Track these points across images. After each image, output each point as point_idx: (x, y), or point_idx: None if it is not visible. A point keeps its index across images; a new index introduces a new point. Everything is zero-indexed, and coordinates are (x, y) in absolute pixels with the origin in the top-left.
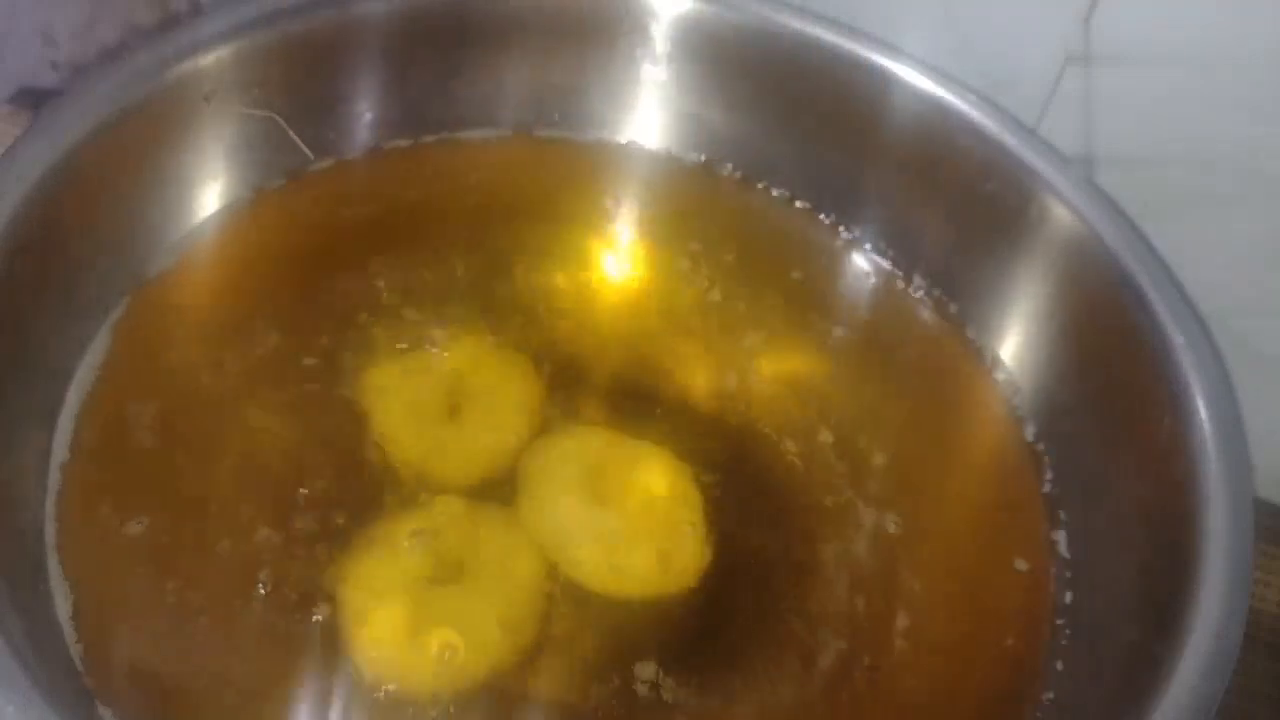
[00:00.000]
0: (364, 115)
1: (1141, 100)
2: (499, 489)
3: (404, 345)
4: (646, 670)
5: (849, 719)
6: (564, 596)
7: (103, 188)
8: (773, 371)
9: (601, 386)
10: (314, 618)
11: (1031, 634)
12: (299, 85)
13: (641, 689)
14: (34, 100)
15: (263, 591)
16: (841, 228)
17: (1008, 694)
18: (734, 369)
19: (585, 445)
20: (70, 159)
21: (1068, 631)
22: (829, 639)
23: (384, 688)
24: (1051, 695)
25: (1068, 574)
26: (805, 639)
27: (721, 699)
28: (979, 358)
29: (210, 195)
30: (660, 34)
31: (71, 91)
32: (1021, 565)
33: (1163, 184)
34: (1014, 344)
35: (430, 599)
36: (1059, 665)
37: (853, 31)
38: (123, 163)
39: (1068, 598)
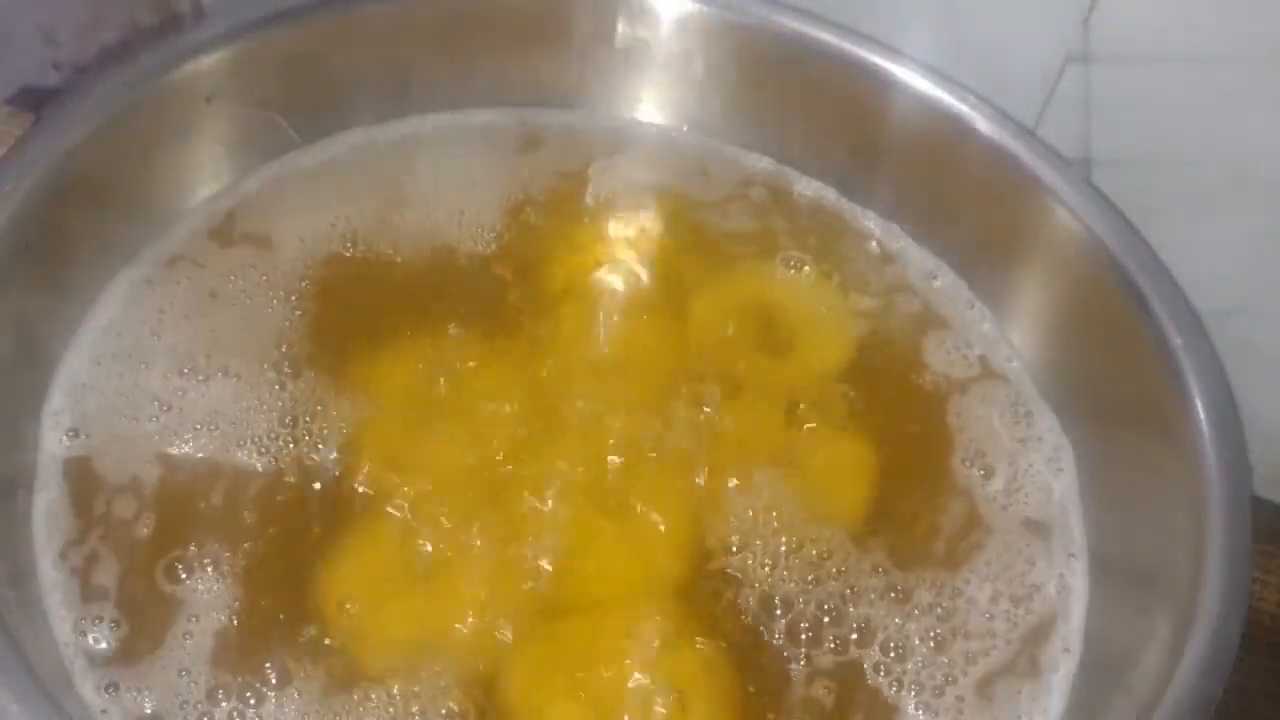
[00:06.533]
0: (363, 112)
1: (1141, 100)
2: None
3: (404, 343)
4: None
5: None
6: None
7: (103, 188)
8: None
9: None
10: (310, 615)
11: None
12: (299, 85)
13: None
14: (35, 100)
15: (259, 585)
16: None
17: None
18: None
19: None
20: (71, 159)
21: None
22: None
23: (381, 685)
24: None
25: None
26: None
27: None
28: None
29: (211, 194)
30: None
31: (73, 92)
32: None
33: (1162, 184)
34: (1013, 344)
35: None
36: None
37: (852, 33)
38: (123, 163)
39: None
